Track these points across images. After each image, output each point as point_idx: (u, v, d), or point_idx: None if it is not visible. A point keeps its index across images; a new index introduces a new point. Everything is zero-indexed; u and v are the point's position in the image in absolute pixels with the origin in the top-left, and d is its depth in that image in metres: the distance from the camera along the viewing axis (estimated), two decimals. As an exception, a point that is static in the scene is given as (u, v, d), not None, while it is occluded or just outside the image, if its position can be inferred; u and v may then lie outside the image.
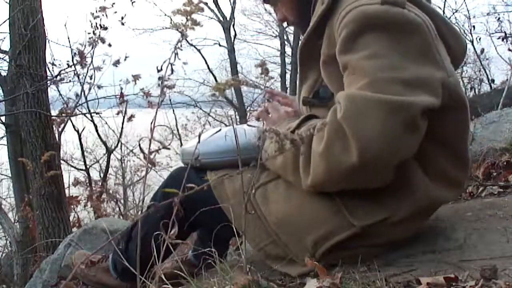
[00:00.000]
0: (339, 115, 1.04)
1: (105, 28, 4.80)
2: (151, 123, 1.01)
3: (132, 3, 5.22)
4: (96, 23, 4.78)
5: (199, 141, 1.15)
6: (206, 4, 11.72)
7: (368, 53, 1.07)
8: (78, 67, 4.68)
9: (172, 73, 0.97)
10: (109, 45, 4.89)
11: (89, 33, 4.80)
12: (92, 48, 4.75)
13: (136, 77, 5.14)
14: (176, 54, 0.97)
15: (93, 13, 4.79)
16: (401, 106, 1.02)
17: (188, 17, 0.94)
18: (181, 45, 0.98)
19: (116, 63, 5.16)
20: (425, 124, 1.07)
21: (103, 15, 4.77)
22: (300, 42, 1.29)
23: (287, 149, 0.91)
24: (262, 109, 1.40)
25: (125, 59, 5.25)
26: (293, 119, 1.29)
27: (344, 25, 1.10)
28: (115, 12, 5.08)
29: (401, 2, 1.10)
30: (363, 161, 1.02)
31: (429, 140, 1.12)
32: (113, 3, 4.87)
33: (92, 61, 4.82)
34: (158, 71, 0.98)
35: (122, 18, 5.16)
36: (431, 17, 1.18)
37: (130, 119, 5.62)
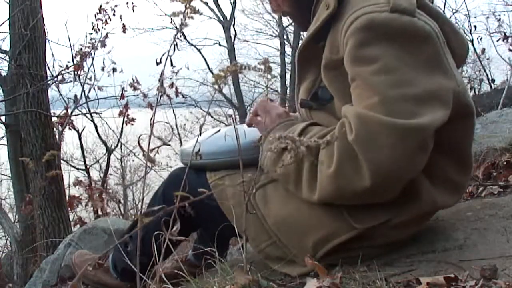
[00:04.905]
0: (351, 137, 1.02)
1: (106, 36, 4.80)
2: (151, 119, 1.01)
3: (133, 8, 5.20)
4: (98, 24, 4.78)
5: (199, 135, 1.14)
6: (206, 3, 11.74)
7: (378, 67, 1.04)
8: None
9: (172, 65, 0.96)
10: (104, 45, 4.87)
11: (90, 33, 4.80)
12: (92, 50, 4.74)
13: (134, 84, 5.16)
14: (176, 45, 0.95)
15: (96, 14, 4.78)
16: (415, 130, 1.01)
17: (187, 5, 0.92)
18: (180, 36, 0.97)
19: (113, 71, 5.17)
20: (433, 139, 1.07)
21: (105, 18, 4.76)
22: (299, 44, 1.26)
23: (301, 156, 0.86)
24: (251, 115, 1.35)
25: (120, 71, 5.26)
26: (287, 122, 1.27)
27: (352, 33, 1.06)
28: (116, 13, 5.05)
29: (412, 10, 1.07)
30: (375, 184, 1.02)
31: (435, 149, 1.10)
32: (116, 5, 4.87)
33: (92, 62, 4.82)
34: (158, 64, 0.98)
35: (124, 26, 5.13)
36: (437, 20, 1.15)
37: (130, 121, 5.60)
